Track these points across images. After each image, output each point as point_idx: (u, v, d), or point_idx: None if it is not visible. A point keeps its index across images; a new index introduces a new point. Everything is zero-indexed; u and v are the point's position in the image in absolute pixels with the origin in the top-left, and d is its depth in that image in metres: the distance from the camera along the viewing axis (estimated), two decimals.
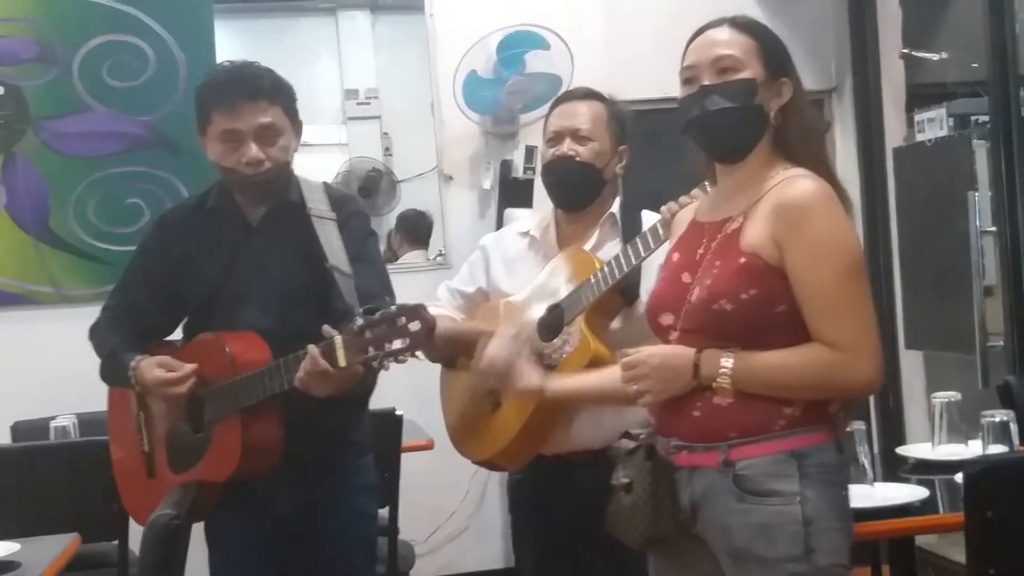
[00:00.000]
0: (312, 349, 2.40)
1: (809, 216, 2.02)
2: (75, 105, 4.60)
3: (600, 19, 4.87)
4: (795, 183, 2.07)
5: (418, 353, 2.36)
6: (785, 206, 2.04)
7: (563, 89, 4.55)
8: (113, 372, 2.75)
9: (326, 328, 2.39)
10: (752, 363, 2.03)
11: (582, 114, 2.76)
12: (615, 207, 2.78)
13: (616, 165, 2.77)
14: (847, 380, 2.03)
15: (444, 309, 2.90)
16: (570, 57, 4.66)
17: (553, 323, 2.65)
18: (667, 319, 2.16)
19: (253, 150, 2.59)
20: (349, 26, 5.41)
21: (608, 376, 2.32)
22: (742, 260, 2.05)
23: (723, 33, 2.16)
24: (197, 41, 4.66)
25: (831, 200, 2.05)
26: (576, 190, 2.77)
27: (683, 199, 2.42)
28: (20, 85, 4.58)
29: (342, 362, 2.37)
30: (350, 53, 5.39)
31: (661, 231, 2.47)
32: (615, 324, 2.65)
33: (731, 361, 2.04)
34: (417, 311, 2.34)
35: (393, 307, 2.36)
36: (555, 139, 2.78)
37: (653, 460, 2.12)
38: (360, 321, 2.36)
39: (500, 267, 2.87)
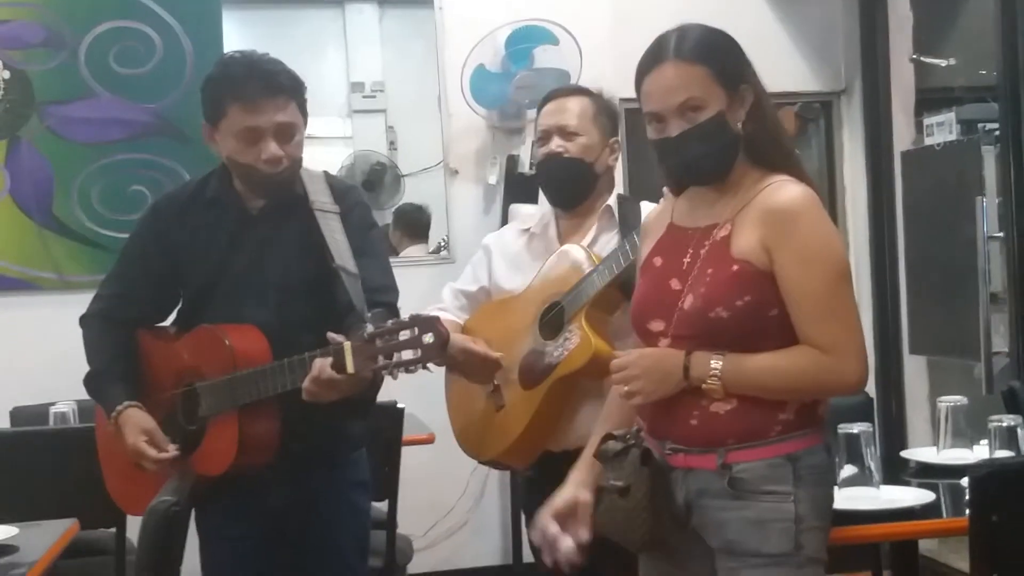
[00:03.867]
0: (319, 361, 2.38)
1: (798, 222, 2.07)
2: (81, 91, 4.59)
3: (609, 14, 4.86)
4: (782, 189, 2.11)
5: (429, 365, 2.34)
6: (774, 212, 2.09)
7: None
8: (96, 396, 2.73)
9: (331, 335, 2.38)
10: (741, 365, 2.08)
11: (569, 110, 2.77)
12: (612, 199, 2.78)
13: (608, 158, 2.79)
14: (834, 381, 2.09)
15: (448, 312, 2.91)
16: (579, 52, 4.65)
17: (554, 321, 2.65)
18: (657, 325, 2.18)
19: (273, 148, 2.55)
20: (356, 19, 5.40)
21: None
22: (735, 268, 2.09)
23: (674, 72, 2.11)
24: (204, 30, 4.65)
25: (818, 206, 2.10)
26: (568, 186, 2.78)
27: None
28: (26, 70, 4.57)
29: (350, 368, 2.34)
30: (357, 46, 5.38)
31: None
32: (616, 318, 2.65)
33: (720, 363, 2.08)
34: (432, 323, 2.31)
35: (407, 317, 2.34)
36: (544, 138, 2.80)
37: (649, 465, 2.14)
38: (370, 328, 2.34)
39: (502, 265, 2.89)
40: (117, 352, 2.72)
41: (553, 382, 2.62)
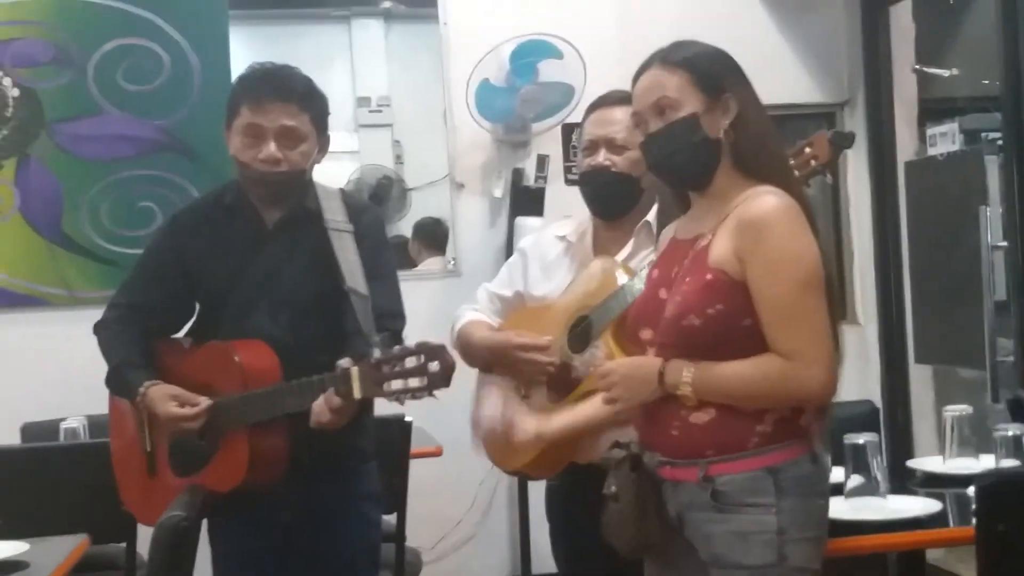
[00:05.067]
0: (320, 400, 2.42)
1: (768, 231, 2.10)
2: (89, 108, 4.60)
3: (613, 28, 4.87)
4: (758, 199, 2.14)
5: (435, 392, 2.36)
6: (746, 222, 2.12)
7: (576, 98, 4.58)
8: (119, 387, 2.74)
9: (339, 363, 2.41)
10: (711, 373, 2.12)
11: (618, 122, 2.71)
12: (651, 215, 2.75)
13: None
14: (799, 389, 2.10)
15: (482, 313, 2.90)
16: (583, 66, 4.66)
17: (582, 334, 2.65)
18: (646, 334, 2.24)
19: (271, 148, 2.58)
20: (362, 34, 5.42)
21: (599, 404, 2.39)
22: (708, 276, 2.13)
23: (656, 74, 2.22)
24: (212, 46, 4.66)
25: (791, 215, 2.12)
26: (613, 201, 2.75)
27: None
28: (35, 88, 4.58)
29: (357, 394, 2.38)
30: (363, 61, 5.40)
31: None
32: None
33: (692, 370, 2.12)
34: (438, 352, 2.33)
35: (414, 344, 2.36)
36: (591, 148, 2.76)
37: (638, 471, 2.19)
38: (378, 354, 2.36)
39: (537, 271, 2.87)
40: (135, 347, 2.73)
41: (578, 397, 2.63)
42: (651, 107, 2.21)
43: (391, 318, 2.61)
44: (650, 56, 2.26)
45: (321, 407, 2.43)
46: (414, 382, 2.33)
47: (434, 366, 2.32)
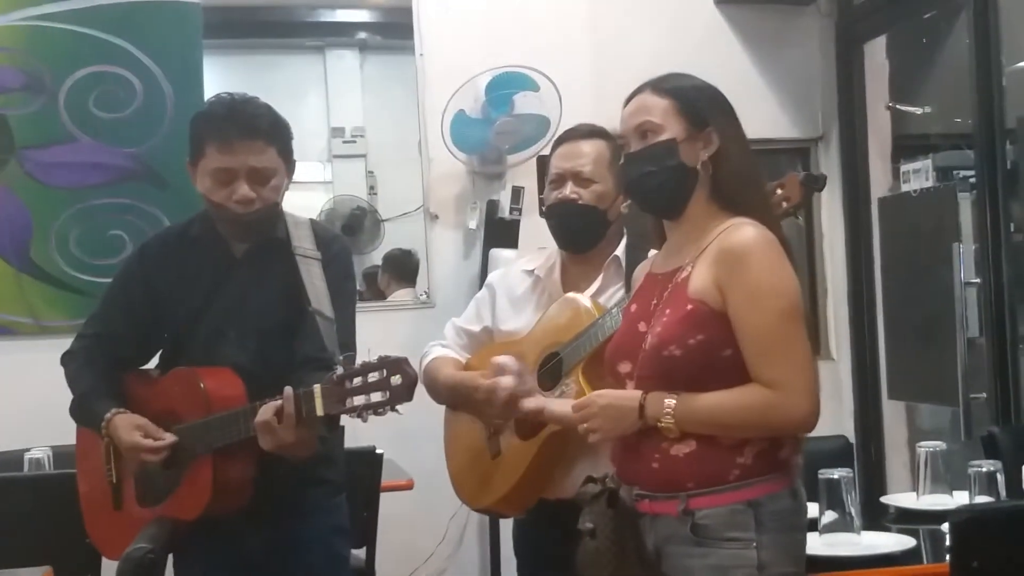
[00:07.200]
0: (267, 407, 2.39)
1: (749, 261, 2.11)
2: (60, 135, 4.57)
3: (589, 61, 4.89)
4: (737, 230, 2.16)
5: (398, 407, 2.35)
6: (726, 252, 2.14)
7: (551, 131, 4.59)
8: (84, 416, 2.72)
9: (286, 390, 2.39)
10: (693, 403, 2.12)
11: (584, 155, 2.75)
12: (620, 249, 2.76)
13: (621, 204, 2.75)
14: (783, 418, 2.12)
15: (450, 349, 2.89)
16: (559, 99, 4.67)
17: (552, 371, 2.63)
18: (625, 367, 2.25)
19: (244, 189, 2.57)
20: (337, 64, 5.42)
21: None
22: (689, 307, 2.14)
23: (643, 99, 2.27)
24: (185, 75, 4.64)
25: (771, 246, 2.14)
26: (579, 233, 2.76)
27: None
28: (5, 114, 4.54)
29: (320, 411, 2.36)
30: (337, 91, 5.40)
31: None
32: None
33: (674, 401, 2.12)
34: (399, 365, 2.33)
35: (375, 359, 2.35)
36: (557, 181, 2.77)
37: (615, 507, 2.19)
38: (340, 370, 2.35)
39: (506, 306, 2.86)
40: (101, 377, 2.71)
41: (549, 434, 2.61)
42: (634, 130, 2.25)
43: (341, 348, 2.59)
44: (643, 83, 2.30)
45: (265, 410, 2.41)
46: (376, 396, 2.32)
47: (396, 379, 2.32)
